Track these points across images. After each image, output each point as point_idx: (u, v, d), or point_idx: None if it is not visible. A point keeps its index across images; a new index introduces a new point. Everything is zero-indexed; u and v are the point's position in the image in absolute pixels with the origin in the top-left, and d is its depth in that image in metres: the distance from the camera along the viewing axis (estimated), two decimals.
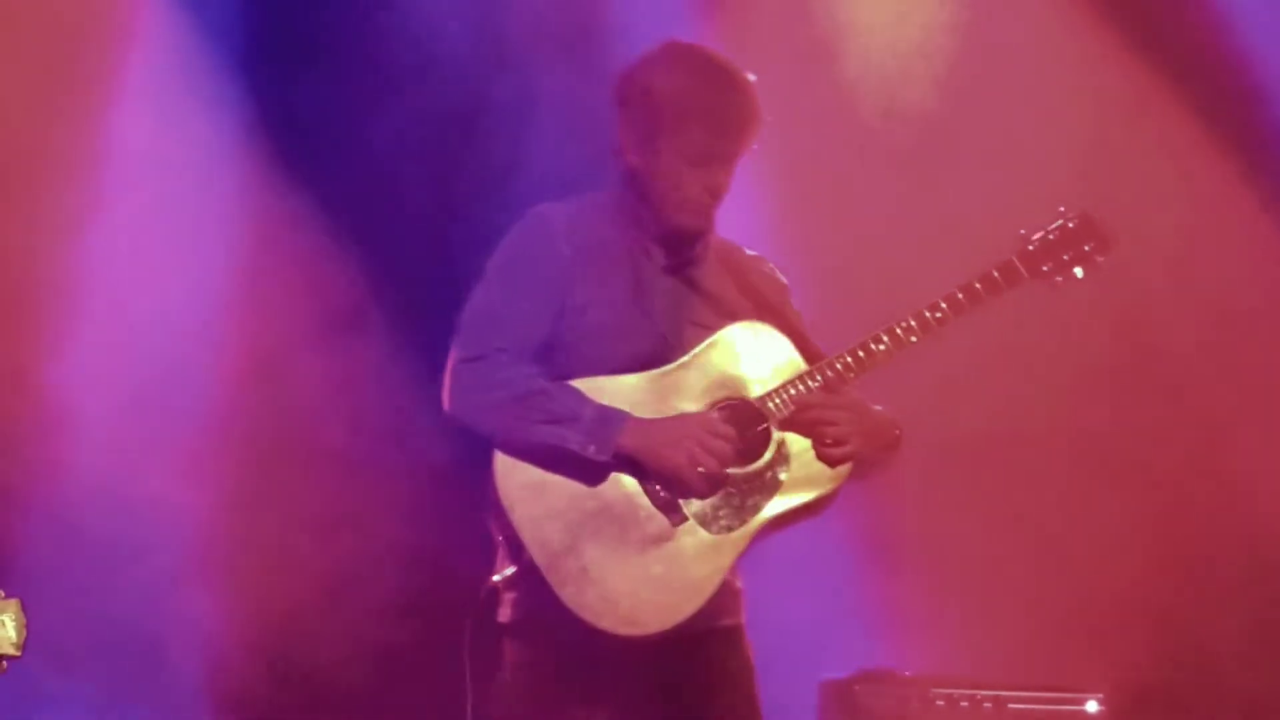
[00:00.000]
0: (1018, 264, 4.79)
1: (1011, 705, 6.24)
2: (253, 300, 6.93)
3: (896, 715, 6.28)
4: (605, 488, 4.65)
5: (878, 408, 4.80)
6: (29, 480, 6.62)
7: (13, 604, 4.13)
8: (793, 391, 4.69)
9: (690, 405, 4.71)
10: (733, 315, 4.85)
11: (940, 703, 6.26)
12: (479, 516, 4.79)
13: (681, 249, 4.87)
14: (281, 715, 6.75)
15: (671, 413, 4.69)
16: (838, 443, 4.68)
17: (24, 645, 4.11)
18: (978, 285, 4.75)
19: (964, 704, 6.25)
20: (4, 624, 4.11)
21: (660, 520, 4.64)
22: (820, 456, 4.69)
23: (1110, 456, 7.06)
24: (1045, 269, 4.80)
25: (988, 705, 6.25)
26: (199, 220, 6.93)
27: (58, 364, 6.70)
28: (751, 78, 4.80)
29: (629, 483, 4.66)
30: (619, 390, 4.71)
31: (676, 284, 4.87)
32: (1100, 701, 6.24)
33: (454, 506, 5.96)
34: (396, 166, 6.97)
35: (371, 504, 6.80)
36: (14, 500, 6.61)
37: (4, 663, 4.11)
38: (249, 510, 6.85)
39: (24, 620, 4.12)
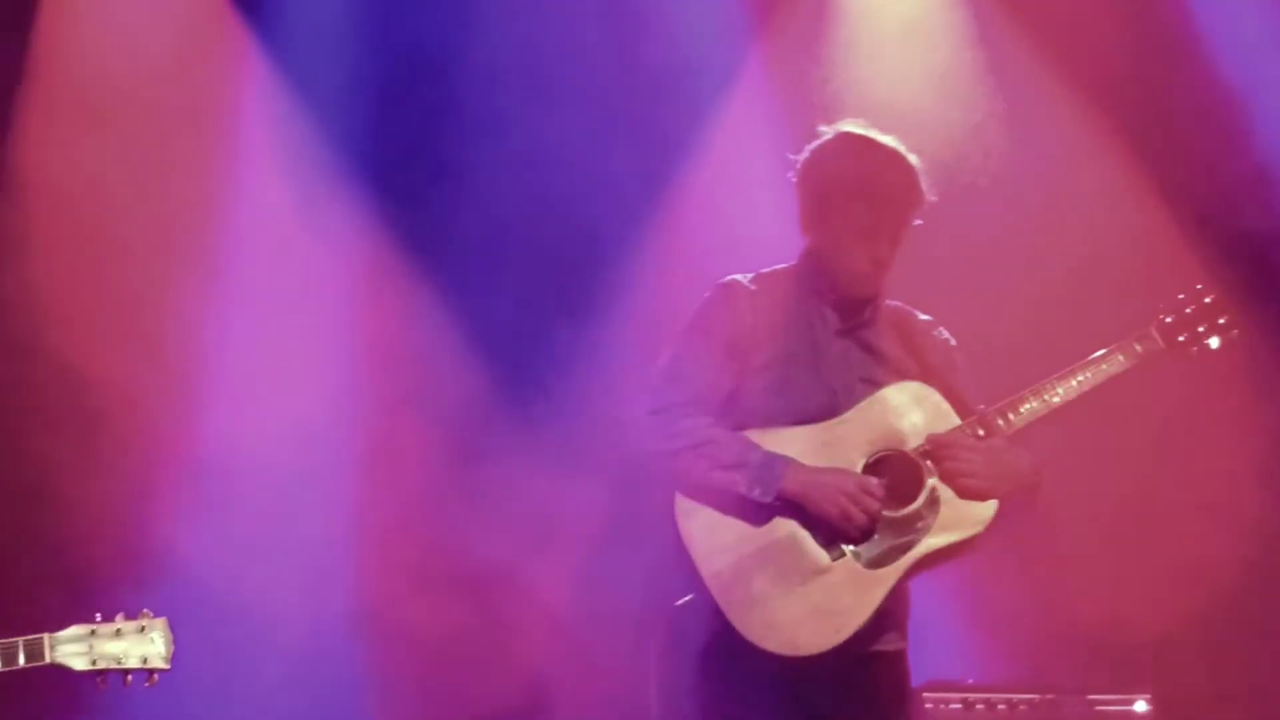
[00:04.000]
0: (1156, 335, 5.26)
1: (1066, 707, 6.65)
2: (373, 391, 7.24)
3: None
4: (771, 526, 5.07)
5: (1016, 451, 5.17)
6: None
7: (160, 622, 4.67)
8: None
9: (853, 454, 5.14)
10: (899, 374, 5.27)
11: (1001, 707, 6.64)
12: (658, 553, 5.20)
13: (853, 314, 5.31)
14: None
15: (837, 460, 5.11)
16: (969, 481, 5.08)
17: (171, 659, 4.66)
18: (1120, 355, 5.22)
19: (1023, 707, 6.64)
20: (154, 640, 4.64)
21: (820, 555, 5.07)
22: (958, 493, 5.12)
23: (1156, 465, 7.26)
24: (1181, 340, 5.28)
25: (1045, 708, 6.64)
26: (323, 313, 7.25)
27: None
28: (914, 160, 5.24)
29: (792, 521, 5.06)
30: (789, 440, 5.12)
31: (849, 345, 5.29)
32: (1148, 701, 6.64)
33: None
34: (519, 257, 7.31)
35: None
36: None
37: (155, 676, 4.65)
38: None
39: (171, 637, 4.67)
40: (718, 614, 5.05)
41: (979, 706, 6.69)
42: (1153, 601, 7.16)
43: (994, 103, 7.51)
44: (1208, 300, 5.35)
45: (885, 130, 5.37)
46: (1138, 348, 5.26)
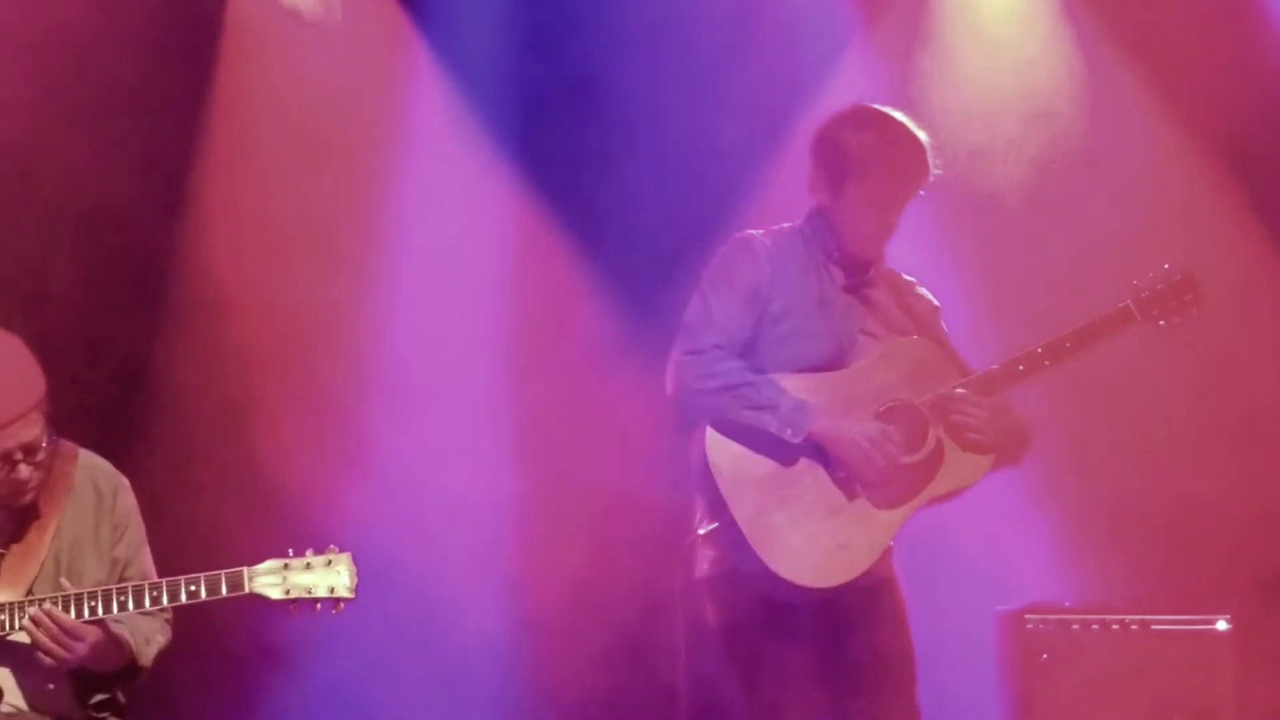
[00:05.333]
0: (1133, 308, 5.62)
1: (1154, 627, 6.90)
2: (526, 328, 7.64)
3: (1060, 640, 6.93)
4: (796, 465, 5.41)
5: (1013, 411, 5.53)
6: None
7: (345, 557, 5.07)
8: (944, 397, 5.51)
9: (863, 403, 5.47)
10: (897, 329, 5.61)
11: (1095, 627, 6.91)
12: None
13: (858, 272, 5.64)
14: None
15: (849, 408, 5.43)
16: (974, 436, 5.45)
17: (355, 590, 5.04)
18: (1100, 323, 5.59)
19: (1115, 627, 6.90)
20: (340, 573, 5.04)
21: (839, 494, 5.42)
22: (961, 446, 5.47)
23: (1243, 393, 7.48)
24: (1154, 313, 5.64)
25: (1135, 628, 6.90)
26: (477, 260, 7.70)
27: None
28: (924, 137, 5.56)
29: (815, 462, 5.40)
30: (803, 387, 5.44)
31: (852, 300, 5.62)
32: (1228, 621, 6.87)
33: None
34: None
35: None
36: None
37: (341, 604, 5.05)
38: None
39: (355, 570, 5.03)
40: (741, 541, 5.39)
41: (1075, 627, 6.97)
42: (1235, 523, 7.39)
43: (1078, 94, 7.79)
44: (1176, 279, 5.69)
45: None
46: (1116, 317, 5.62)
